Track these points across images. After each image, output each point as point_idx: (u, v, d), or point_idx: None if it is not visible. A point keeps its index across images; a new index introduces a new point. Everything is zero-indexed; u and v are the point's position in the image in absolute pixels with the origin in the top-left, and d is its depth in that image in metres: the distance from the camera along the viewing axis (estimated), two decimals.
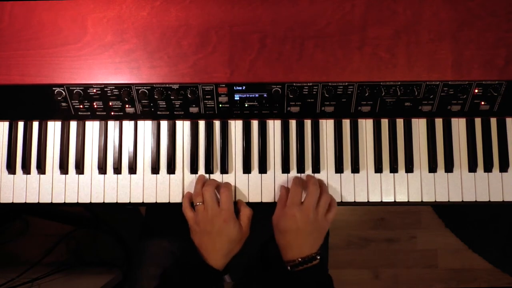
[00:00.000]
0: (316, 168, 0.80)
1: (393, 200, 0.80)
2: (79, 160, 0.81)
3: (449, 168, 0.80)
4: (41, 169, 0.81)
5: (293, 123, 0.81)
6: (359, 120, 0.81)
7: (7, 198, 0.81)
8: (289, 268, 0.71)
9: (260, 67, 0.75)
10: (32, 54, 0.76)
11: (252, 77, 0.75)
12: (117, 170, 0.81)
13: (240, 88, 0.77)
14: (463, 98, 0.78)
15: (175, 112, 0.80)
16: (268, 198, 0.80)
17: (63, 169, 0.81)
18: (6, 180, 0.81)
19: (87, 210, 1.56)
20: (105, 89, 0.77)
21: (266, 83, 0.76)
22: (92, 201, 0.81)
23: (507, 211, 1.61)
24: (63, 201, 0.81)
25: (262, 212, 0.78)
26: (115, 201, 0.81)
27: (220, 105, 0.79)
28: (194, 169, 0.80)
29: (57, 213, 1.55)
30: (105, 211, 1.57)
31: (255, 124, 0.82)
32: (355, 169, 0.80)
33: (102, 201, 0.81)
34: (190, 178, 0.81)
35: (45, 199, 0.81)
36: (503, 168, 0.80)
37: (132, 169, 0.81)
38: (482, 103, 0.78)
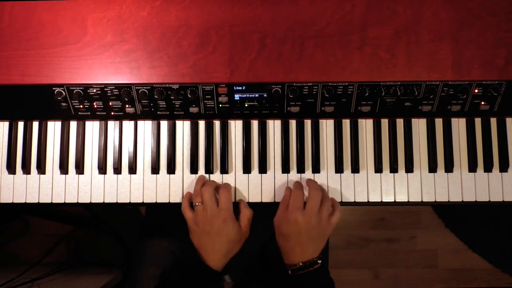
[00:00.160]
0: (316, 168, 0.80)
1: (393, 200, 0.80)
2: (79, 160, 0.81)
3: (449, 168, 0.80)
4: (41, 169, 0.81)
5: (293, 123, 0.81)
6: (359, 120, 0.81)
7: (7, 198, 0.81)
8: (290, 272, 0.71)
9: (260, 67, 0.75)
10: (32, 54, 0.76)
11: (252, 77, 0.75)
12: (117, 170, 0.81)
13: (240, 88, 0.77)
14: (463, 98, 0.78)
15: (175, 112, 0.80)
16: (268, 198, 0.80)
17: (63, 169, 0.81)
18: (6, 180, 0.81)
19: (87, 210, 1.56)
20: (105, 89, 0.77)
21: (266, 83, 0.76)
22: (92, 201, 0.81)
23: (507, 211, 1.61)
24: (63, 201, 0.81)
25: (262, 212, 0.78)
26: (115, 201, 0.81)
27: (220, 105, 0.79)
28: (194, 169, 0.80)
29: (57, 213, 1.55)
30: (105, 211, 1.57)
31: (255, 124, 0.82)
32: (355, 169, 0.80)
33: (102, 201, 0.81)
34: (190, 178, 0.81)
35: (45, 199, 0.81)
36: (503, 168, 0.80)
37: (132, 169, 0.81)
38: (482, 103, 0.78)
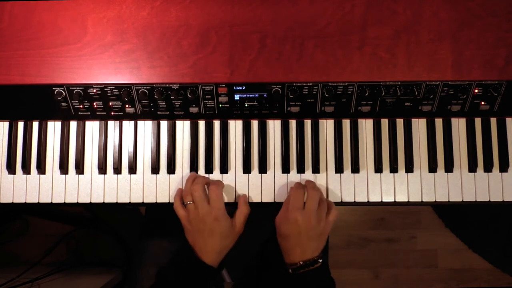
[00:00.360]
0: (316, 168, 0.80)
1: (393, 200, 0.80)
2: (79, 160, 0.81)
3: (449, 168, 0.80)
4: (41, 169, 0.81)
5: (293, 123, 0.81)
6: (359, 120, 0.81)
7: (7, 198, 0.81)
8: (290, 271, 0.71)
9: (260, 67, 0.75)
10: (32, 54, 0.76)
11: (252, 77, 0.75)
12: (117, 170, 0.81)
13: (240, 88, 0.77)
14: (463, 98, 0.78)
15: (175, 112, 0.80)
16: (268, 198, 0.80)
17: (63, 169, 0.81)
18: (6, 180, 0.81)
19: (87, 210, 1.56)
20: (105, 89, 0.77)
21: (266, 83, 0.76)
22: (92, 201, 0.81)
23: (507, 211, 1.61)
24: (63, 201, 0.81)
25: (262, 212, 0.78)
26: (115, 201, 0.81)
27: (220, 105, 0.79)
28: (194, 169, 0.80)
29: (57, 213, 1.55)
30: (105, 211, 1.57)
31: (255, 124, 0.82)
32: (355, 169, 0.80)
33: (102, 201, 0.81)
34: None
35: (45, 199, 0.81)
36: (503, 168, 0.80)
37: (132, 169, 0.81)
38: (482, 103, 0.78)
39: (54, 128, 0.82)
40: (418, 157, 0.80)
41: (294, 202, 0.72)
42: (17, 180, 0.81)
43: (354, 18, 0.75)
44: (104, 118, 0.81)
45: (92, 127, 0.82)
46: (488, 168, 0.80)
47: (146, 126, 0.82)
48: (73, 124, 0.82)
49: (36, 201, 0.81)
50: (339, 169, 0.80)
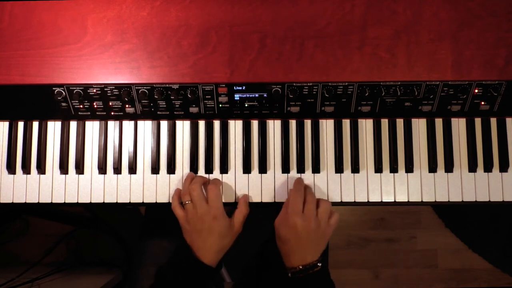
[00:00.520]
0: (316, 168, 0.80)
1: (393, 200, 0.80)
2: (79, 160, 0.81)
3: (449, 168, 0.80)
4: (41, 169, 0.81)
5: (293, 123, 0.81)
6: (359, 120, 0.81)
7: (7, 198, 0.81)
8: (290, 274, 0.71)
9: (260, 67, 0.75)
10: (32, 54, 0.76)
11: (252, 77, 0.75)
12: (117, 170, 0.81)
13: (240, 88, 0.77)
14: (463, 98, 0.78)
15: (175, 112, 0.80)
16: (268, 198, 0.80)
17: (63, 169, 0.81)
18: (6, 180, 0.81)
19: (87, 210, 1.56)
20: (105, 89, 0.77)
21: (266, 83, 0.76)
22: (92, 201, 0.81)
23: (507, 211, 1.61)
24: (63, 201, 0.81)
25: (262, 212, 0.78)
26: (115, 201, 0.81)
27: (220, 105, 0.79)
28: (194, 169, 0.80)
29: (57, 213, 1.55)
30: (105, 211, 1.57)
31: (255, 124, 0.82)
32: (355, 169, 0.80)
33: (102, 201, 0.81)
34: None
35: (45, 199, 0.81)
36: (503, 168, 0.80)
37: (132, 169, 0.81)
38: (482, 103, 0.78)
39: (54, 128, 0.82)
40: (418, 157, 0.80)
41: (293, 205, 0.71)
42: (17, 180, 0.81)
43: (354, 18, 0.75)
44: (104, 118, 0.81)
45: (92, 127, 0.82)
46: (488, 168, 0.80)
47: (146, 126, 0.82)
48: (73, 124, 0.82)
49: (36, 201, 0.81)
50: (339, 169, 0.80)
